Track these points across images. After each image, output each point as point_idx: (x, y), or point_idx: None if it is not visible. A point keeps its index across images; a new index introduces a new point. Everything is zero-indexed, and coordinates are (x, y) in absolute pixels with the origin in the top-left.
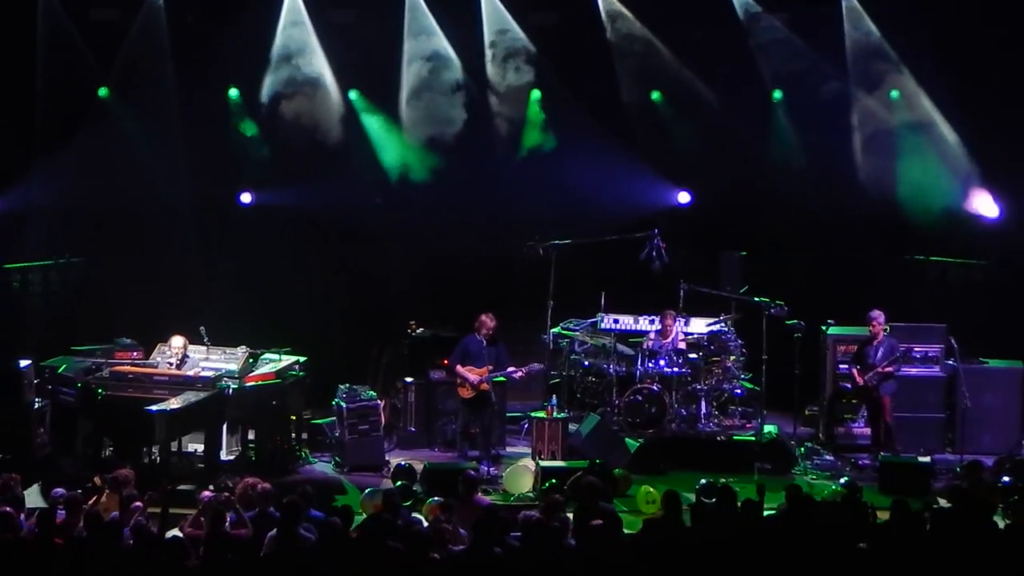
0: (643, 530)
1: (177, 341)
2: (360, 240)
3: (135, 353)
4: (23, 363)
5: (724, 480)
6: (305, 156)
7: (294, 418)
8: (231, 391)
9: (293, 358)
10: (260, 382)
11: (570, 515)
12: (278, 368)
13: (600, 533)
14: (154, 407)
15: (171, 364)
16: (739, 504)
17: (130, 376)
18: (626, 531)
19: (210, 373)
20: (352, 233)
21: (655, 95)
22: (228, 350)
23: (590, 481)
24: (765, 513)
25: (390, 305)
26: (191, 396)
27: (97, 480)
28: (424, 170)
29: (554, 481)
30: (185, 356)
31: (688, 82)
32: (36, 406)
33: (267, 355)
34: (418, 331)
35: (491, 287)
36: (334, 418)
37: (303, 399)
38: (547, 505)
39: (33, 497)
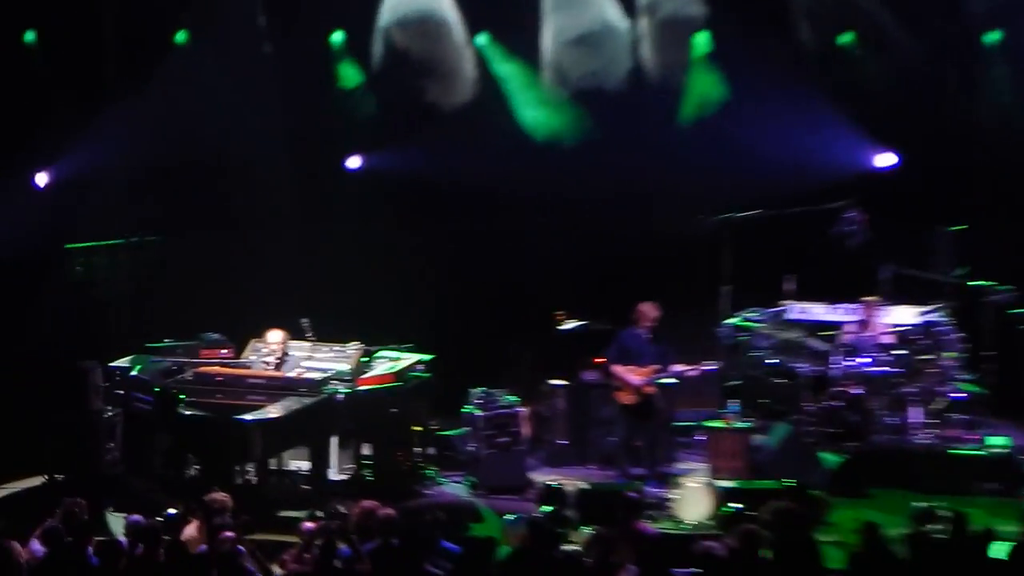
0: (851, 567)
1: (275, 336)
2: (493, 215)
3: (224, 351)
4: (89, 364)
5: (941, 503)
6: (424, 112)
7: (418, 429)
8: (342, 397)
9: (416, 356)
10: (376, 386)
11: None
12: (398, 369)
13: (802, 569)
14: (248, 416)
15: (268, 364)
16: (969, 534)
17: (218, 379)
18: (829, 567)
19: (316, 375)
20: (483, 206)
21: (845, 38)
22: (337, 347)
23: (786, 506)
24: (999, 546)
25: (532, 292)
26: (293, 403)
27: (182, 506)
28: (570, 129)
29: (736, 506)
30: (285, 354)
31: (886, 22)
32: (105, 415)
33: (384, 353)
34: (567, 323)
35: (654, 270)
36: (466, 429)
37: (428, 406)
38: (742, 536)
39: (103, 526)
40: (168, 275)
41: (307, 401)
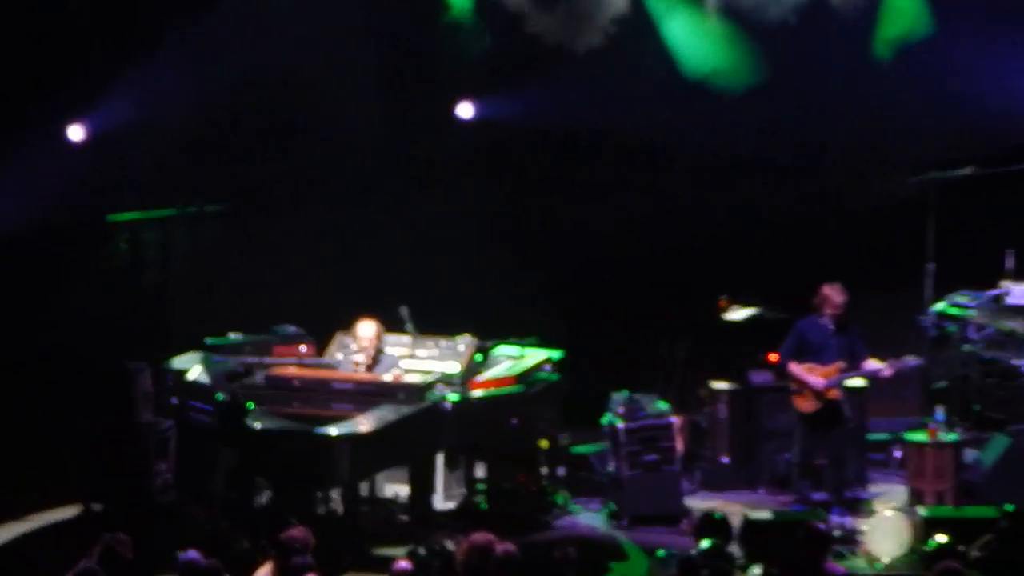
0: None
1: (366, 329)
2: (639, 177)
3: (303, 347)
4: (135, 366)
5: None
6: (551, 49)
7: (545, 445)
8: (449, 405)
9: (542, 353)
10: (493, 390)
11: None
12: (520, 369)
13: None
14: (333, 429)
15: (358, 364)
16: None
17: (296, 383)
18: None
19: (417, 377)
20: (627, 167)
21: None
22: (444, 342)
23: (1004, 540)
24: None
25: (688, 273)
26: (389, 412)
27: (251, 543)
28: (737, 71)
29: (942, 539)
30: (379, 352)
31: None
32: (156, 429)
33: (503, 349)
34: (731, 312)
35: (840, 244)
36: (605, 444)
37: (558, 416)
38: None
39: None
40: (233, 254)
41: (406, 410)
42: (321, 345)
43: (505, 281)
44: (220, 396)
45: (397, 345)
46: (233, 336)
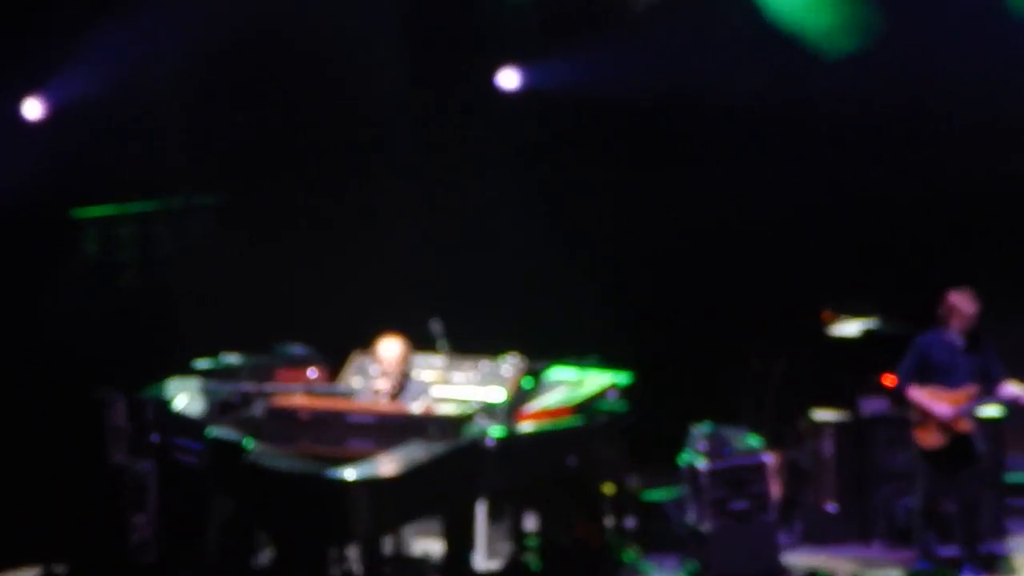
0: None
1: (390, 349)
2: (717, 154)
3: (313, 372)
4: (108, 394)
5: None
6: (609, 1)
7: (610, 490)
8: (493, 442)
9: (606, 377)
10: (547, 423)
11: None
12: (580, 397)
13: None
14: (350, 471)
15: (380, 392)
16: None
17: (304, 415)
18: None
19: (453, 408)
20: (701, 142)
21: None
22: (486, 363)
23: None
24: None
25: (783, 276)
26: (418, 452)
27: None
28: (848, 28)
29: None
30: (405, 377)
31: None
32: (132, 472)
33: (558, 372)
34: (839, 325)
35: (971, 242)
36: (683, 489)
37: (626, 454)
38: None
39: None
40: (229, 256)
41: (439, 449)
42: (335, 369)
43: (560, 287)
44: (212, 432)
45: (428, 368)
46: (228, 358)
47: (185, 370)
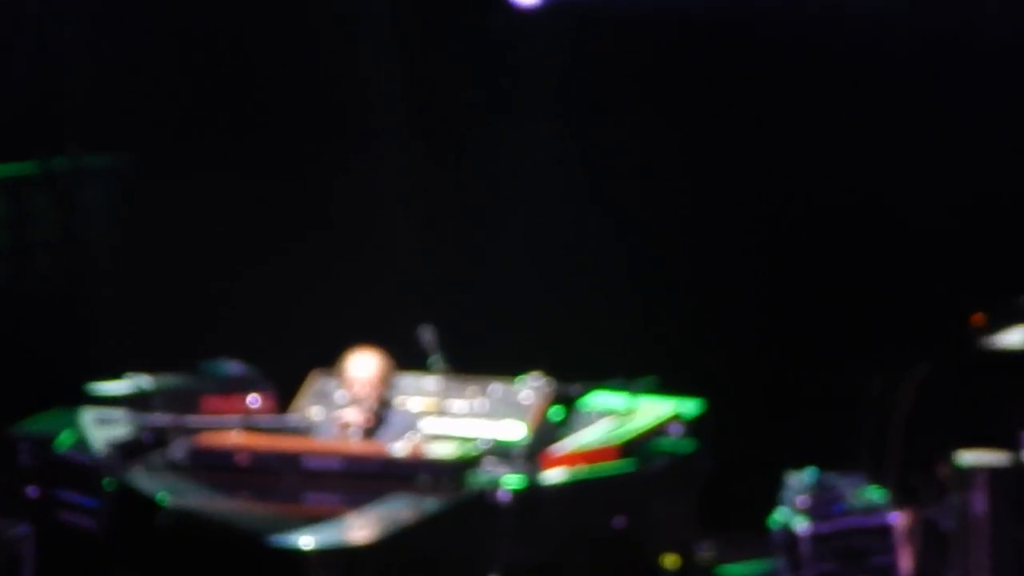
0: None
1: (364, 367)
2: (819, 101)
3: (255, 399)
4: None
5: None
6: None
7: (673, 563)
8: (508, 496)
9: (665, 406)
10: (583, 471)
11: None
12: (630, 433)
13: None
14: (307, 538)
15: (351, 426)
16: None
17: (242, 459)
18: None
19: (451, 449)
20: (794, 84)
21: None
22: (497, 386)
23: None
24: None
25: (913, 268)
26: (402, 510)
27: None
28: None
29: None
30: (385, 405)
31: None
32: (2, 537)
33: (597, 398)
34: (993, 333)
35: None
36: (777, 560)
37: (693, 512)
38: None
39: None
40: (135, 237)
41: (432, 506)
42: (286, 395)
43: (601, 283)
44: (113, 483)
45: (416, 394)
46: (136, 380)
47: (75, 397)
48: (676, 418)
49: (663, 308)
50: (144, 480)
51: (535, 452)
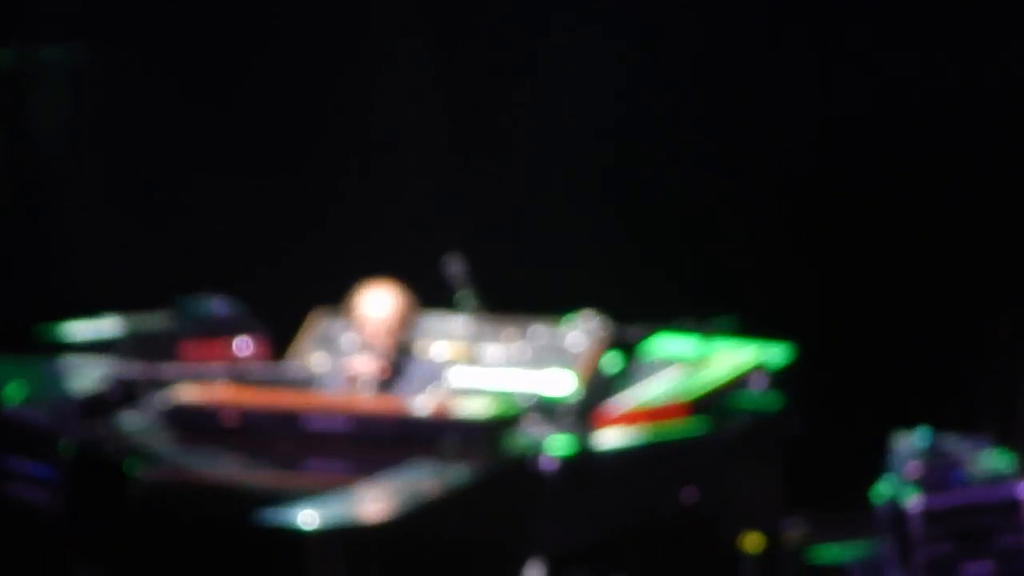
0: None
1: (379, 306)
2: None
3: (244, 343)
4: None
5: None
6: None
7: (756, 544)
8: (554, 463)
9: (746, 353)
10: (645, 433)
11: None
12: (701, 387)
13: None
14: (312, 513)
15: (362, 377)
16: None
17: (230, 418)
18: None
19: (484, 405)
20: None
21: None
22: (540, 329)
23: None
24: None
25: None
26: (425, 480)
27: None
28: None
29: None
30: (404, 351)
31: None
32: None
33: (662, 344)
34: None
35: None
36: (879, 541)
37: (779, 484)
38: None
39: None
40: (112, 147)
41: (461, 475)
42: (282, 339)
43: (666, 203)
44: (67, 448)
45: (442, 338)
46: (96, 322)
47: (25, 342)
48: (759, 368)
49: (743, 232)
50: (109, 444)
51: (586, 410)
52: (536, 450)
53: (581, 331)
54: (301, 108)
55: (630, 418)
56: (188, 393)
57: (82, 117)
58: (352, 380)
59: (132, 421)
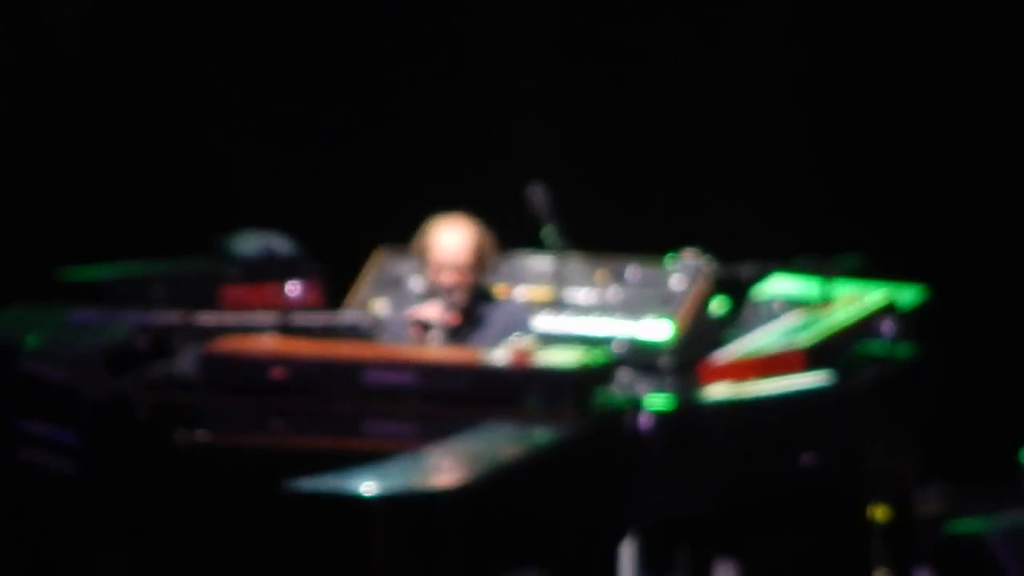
0: None
1: (452, 242)
2: None
3: (294, 287)
4: None
5: None
6: None
7: (885, 515)
8: (652, 420)
9: (875, 296)
10: (758, 388)
11: None
12: (822, 335)
13: None
14: (373, 480)
15: (432, 324)
16: None
17: (279, 374)
18: None
19: (572, 356)
20: None
21: None
22: (636, 268)
23: None
24: None
25: None
26: (504, 442)
27: None
28: None
29: None
30: (483, 295)
31: None
32: None
33: (778, 284)
34: None
35: None
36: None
37: (913, 447)
38: None
39: None
40: (139, 53)
41: (543, 437)
42: (340, 282)
43: (784, 127)
44: (93, 408)
45: (524, 281)
46: (125, 264)
47: (46, 288)
48: (889, 312)
49: (872, 158)
50: (141, 404)
51: (690, 360)
52: (632, 407)
53: (683, 271)
54: (364, 22)
55: (739, 369)
56: (230, 345)
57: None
58: (420, 329)
59: (166, 377)
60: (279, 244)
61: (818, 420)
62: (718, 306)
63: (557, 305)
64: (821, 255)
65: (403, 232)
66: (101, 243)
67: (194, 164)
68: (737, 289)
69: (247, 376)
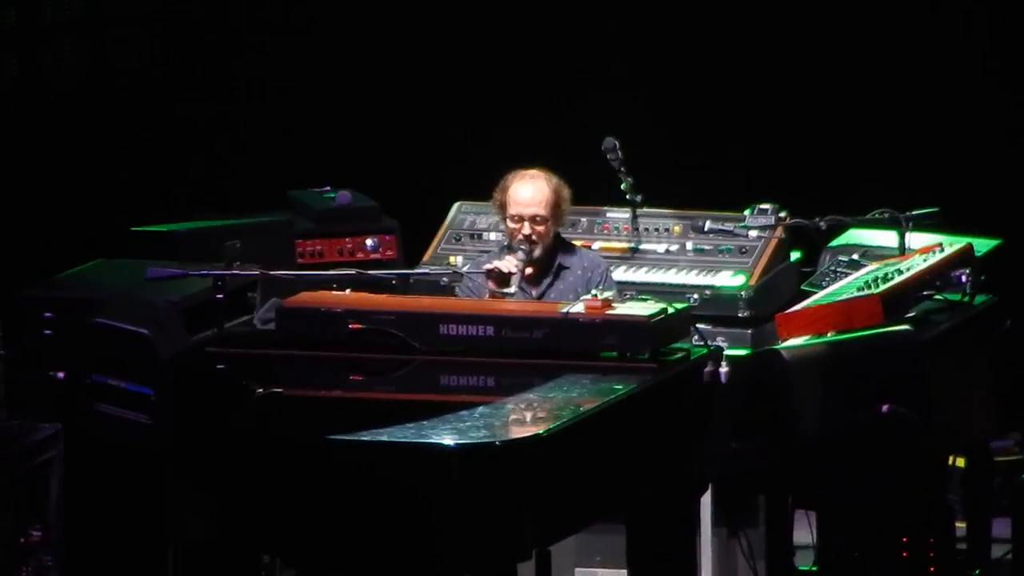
0: None
1: (529, 194)
2: None
3: (372, 241)
4: None
5: None
6: None
7: (960, 464)
8: (727, 370)
9: (951, 246)
10: (835, 337)
11: None
12: (899, 284)
13: None
14: (451, 432)
15: (502, 278)
16: None
17: (353, 323)
18: None
19: (648, 307)
20: None
21: None
22: (711, 221)
23: None
24: None
25: None
26: (582, 392)
27: None
28: None
29: None
30: (561, 246)
31: None
32: (15, 443)
33: (855, 233)
34: None
35: None
36: None
37: (992, 395)
38: None
39: None
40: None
41: (620, 387)
42: (417, 235)
43: (858, 79)
44: (169, 362)
45: (600, 234)
46: (222, 217)
47: (121, 243)
48: (965, 262)
49: (945, 112)
50: (216, 358)
51: (767, 311)
52: (708, 357)
53: (759, 223)
54: None
55: (816, 319)
56: (306, 298)
57: None
58: (498, 281)
59: (242, 331)
60: (354, 199)
61: (895, 369)
62: (794, 257)
63: (635, 257)
64: (898, 210)
65: (481, 185)
66: (177, 199)
67: (267, 119)
68: (816, 237)
69: (323, 330)
